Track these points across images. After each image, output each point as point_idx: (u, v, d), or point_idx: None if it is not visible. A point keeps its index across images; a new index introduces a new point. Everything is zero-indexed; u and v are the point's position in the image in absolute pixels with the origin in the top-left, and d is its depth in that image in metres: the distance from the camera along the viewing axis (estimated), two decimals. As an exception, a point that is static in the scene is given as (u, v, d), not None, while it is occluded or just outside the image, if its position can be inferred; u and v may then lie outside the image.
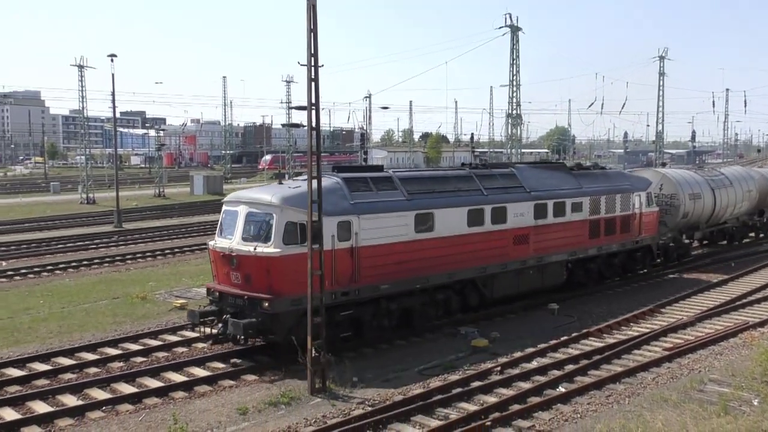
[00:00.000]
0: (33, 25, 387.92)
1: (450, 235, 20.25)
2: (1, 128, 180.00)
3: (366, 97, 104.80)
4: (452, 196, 20.70)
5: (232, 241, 17.76)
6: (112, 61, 56.26)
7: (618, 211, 26.76)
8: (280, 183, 19.20)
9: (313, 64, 15.48)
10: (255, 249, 16.95)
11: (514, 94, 58.30)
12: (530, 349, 18.67)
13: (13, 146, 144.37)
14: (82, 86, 70.70)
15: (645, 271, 29.55)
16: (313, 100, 15.60)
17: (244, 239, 17.51)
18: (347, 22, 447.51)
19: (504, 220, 21.95)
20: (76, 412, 14.45)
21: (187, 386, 15.98)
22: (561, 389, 15.67)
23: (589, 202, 25.31)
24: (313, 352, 15.57)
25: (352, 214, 17.86)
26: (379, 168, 21.66)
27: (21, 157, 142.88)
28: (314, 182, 15.59)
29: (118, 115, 67.87)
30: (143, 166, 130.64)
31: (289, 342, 16.67)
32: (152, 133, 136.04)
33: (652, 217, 29.00)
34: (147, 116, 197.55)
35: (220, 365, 17.49)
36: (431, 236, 19.80)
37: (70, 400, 15.20)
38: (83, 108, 72.42)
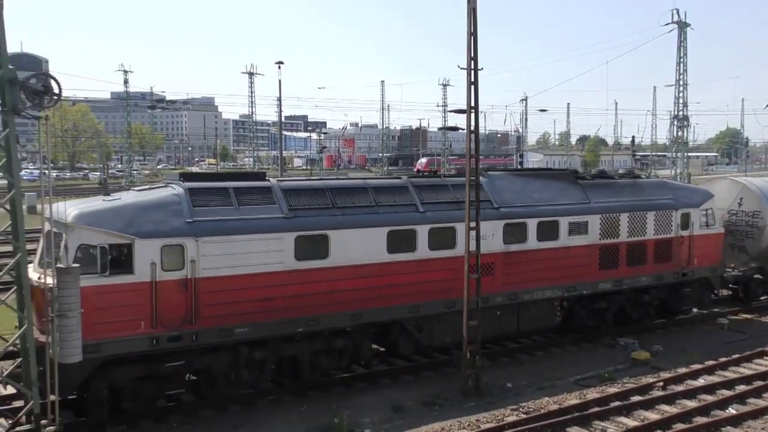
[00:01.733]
0: (208, 36, 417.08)
1: (356, 264, 15.69)
2: (180, 132, 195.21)
3: (522, 99, 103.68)
4: (363, 212, 16.06)
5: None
6: (279, 68, 59.48)
7: (650, 234, 20.72)
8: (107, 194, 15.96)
9: (472, 67, 15.64)
10: (38, 278, 12.92)
11: (681, 94, 55.29)
12: (696, 366, 17.70)
13: (190, 149, 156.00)
14: (251, 92, 75.23)
15: (698, 311, 23.31)
16: (472, 103, 15.79)
17: (40, 265, 13.58)
18: (505, 22, 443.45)
19: (451, 244, 16.97)
20: (246, 400, 15.30)
21: (348, 382, 16.56)
22: (731, 411, 14.74)
23: (599, 222, 19.66)
24: (468, 355, 15.70)
25: (187, 236, 13.88)
26: (260, 175, 16.47)
27: (196, 159, 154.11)
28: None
29: (282, 119, 71.40)
30: (305, 167, 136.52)
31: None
32: (314, 136, 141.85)
33: (711, 242, 22.29)
34: (309, 120, 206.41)
35: (382, 367, 17.59)
36: (323, 265, 15.33)
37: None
38: (252, 113, 76.94)
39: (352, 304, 15.61)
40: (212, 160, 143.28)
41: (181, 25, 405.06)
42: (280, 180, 16.70)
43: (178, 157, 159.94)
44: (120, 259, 13.36)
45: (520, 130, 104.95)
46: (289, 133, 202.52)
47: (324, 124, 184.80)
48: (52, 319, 11.66)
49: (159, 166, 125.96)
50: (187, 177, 15.42)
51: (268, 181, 15.97)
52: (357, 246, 15.70)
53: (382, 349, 17.93)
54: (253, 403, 15.22)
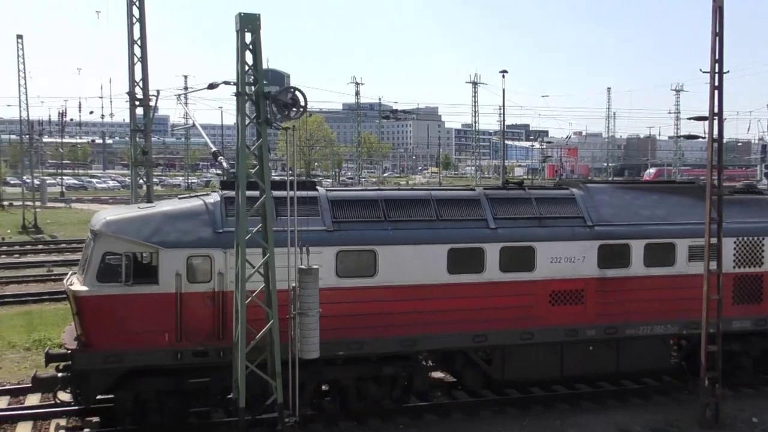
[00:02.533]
0: (434, 47, 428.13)
1: (409, 284, 14.21)
2: (405, 141, 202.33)
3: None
4: (420, 227, 14.52)
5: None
6: (503, 76, 59.28)
7: None
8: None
9: (717, 70, 14.44)
10: (70, 285, 13.62)
11: None
12: None
13: (413, 157, 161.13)
14: (475, 101, 75.85)
15: None
16: (716, 110, 14.59)
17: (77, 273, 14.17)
18: (754, 18, 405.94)
19: (529, 266, 15.05)
20: (469, 409, 15.47)
21: (572, 399, 16.05)
22: None
23: (733, 246, 16.30)
24: (706, 382, 14.48)
25: (215, 247, 13.34)
26: (308, 184, 15.24)
27: (419, 167, 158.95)
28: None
29: (504, 127, 71.25)
30: (526, 177, 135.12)
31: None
32: (537, 145, 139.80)
33: None
34: (530, 129, 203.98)
35: (608, 386, 16.73)
36: (369, 284, 14.11)
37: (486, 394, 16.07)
38: (475, 122, 77.56)
39: (403, 329, 14.08)
40: (435, 169, 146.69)
41: (408, 36, 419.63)
42: (332, 190, 15.70)
43: (403, 165, 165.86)
44: (145, 269, 13.33)
45: (766, 138, 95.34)
46: (511, 142, 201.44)
47: (546, 132, 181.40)
48: (294, 317, 12.54)
49: (385, 174, 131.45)
50: (227, 185, 14.26)
51: (317, 190, 14.89)
52: (411, 264, 14.27)
53: (453, 379, 16.50)
54: (476, 413, 15.26)
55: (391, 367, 14.55)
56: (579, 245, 15.32)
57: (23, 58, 51.62)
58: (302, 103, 12.68)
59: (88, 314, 13.07)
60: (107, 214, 14.15)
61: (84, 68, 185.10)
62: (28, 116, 56.21)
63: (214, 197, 14.23)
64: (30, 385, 14.60)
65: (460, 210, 15.01)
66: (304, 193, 14.13)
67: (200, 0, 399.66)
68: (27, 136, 56.94)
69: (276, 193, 13.31)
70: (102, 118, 45.91)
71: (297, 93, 12.68)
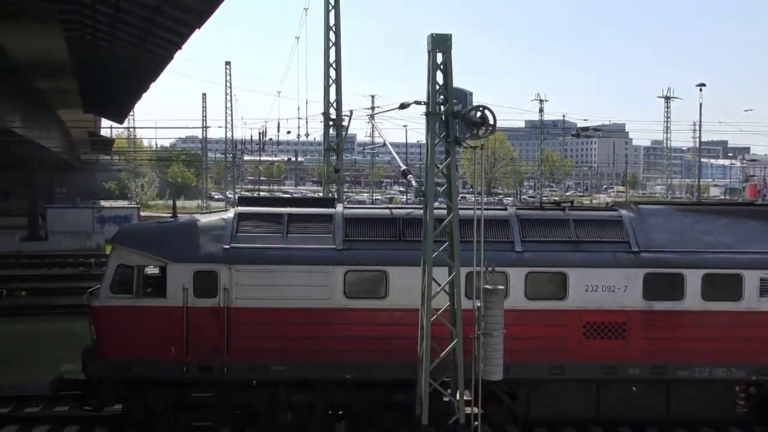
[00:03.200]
0: (623, 62, 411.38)
1: (419, 307, 12.87)
2: (589, 159, 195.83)
3: None
4: (436, 248, 12.89)
5: None
6: (700, 90, 55.64)
7: None
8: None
9: None
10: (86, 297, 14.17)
11: None
12: None
13: (598, 176, 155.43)
14: (667, 117, 71.79)
15: None
16: None
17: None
18: None
19: (560, 293, 13.76)
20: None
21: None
22: None
23: None
24: None
25: (221, 263, 13.35)
26: (328, 201, 15.29)
27: (604, 186, 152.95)
28: None
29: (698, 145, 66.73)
30: (722, 197, 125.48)
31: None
32: (737, 163, 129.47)
33: None
34: (729, 146, 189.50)
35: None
36: (379, 306, 13.51)
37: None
38: (666, 139, 73.35)
39: (415, 354, 12.85)
40: (621, 188, 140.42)
41: (594, 52, 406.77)
42: (349, 207, 15.15)
43: (586, 184, 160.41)
44: (154, 282, 13.56)
45: None
46: (706, 160, 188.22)
47: (747, 149, 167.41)
48: (478, 337, 12.43)
49: (567, 193, 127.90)
50: (245, 201, 14.89)
51: (334, 208, 14.52)
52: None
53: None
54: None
55: (402, 394, 13.70)
56: (620, 273, 13.82)
57: (230, 83, 56.20)
58: (491, 122, 12.62)
59: (100, 323, 13.60)
60: (126, 227, 14.75)
61: (283, 90, 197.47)
62: (232, 136, 61.09)
63: (229, 214, 14.34)
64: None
65: (485, 231, 13.43)
66: (317, 211, 14.31)
67: (378, 26, 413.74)
68: (231, 154, 61.71)
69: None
70: (298, 137, 48.70)
71: (486, 111, 12.64)
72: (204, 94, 74.97)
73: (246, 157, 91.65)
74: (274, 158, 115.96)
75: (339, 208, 14.62)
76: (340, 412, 14.32)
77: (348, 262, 13.55)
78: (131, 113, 75.86)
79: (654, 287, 13.83)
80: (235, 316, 13.30)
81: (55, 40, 26.36)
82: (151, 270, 13.81)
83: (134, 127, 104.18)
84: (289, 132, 48.37)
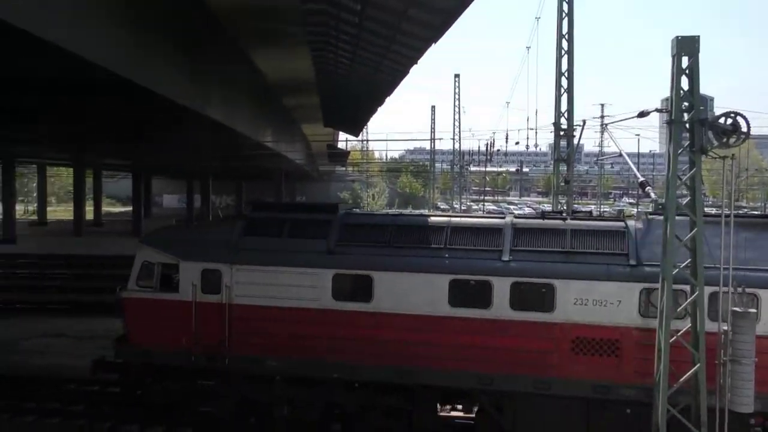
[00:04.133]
0: None
1: (405, 313, 13.58)
2: None
3: None
4: (422, 254, 13.78)
5: None
6: None
7: None
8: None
9: None
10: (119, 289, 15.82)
11: None
12: None
13: None
14: None
15: None
16: None
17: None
18: None
19: (547, 305, 13.12)
20: None
21: None
22: None
23: None
24: None
25: (224, 263, 14.58)
26: (331, 208, 15.44)
27: None
28: None
29: None
30: None
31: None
32: None
33: None
34: None
35: None
36: (363, 309, 13.86)
37: None
38: None
39: (399, 359, 13.54)
40: None
41: None
42: (351, 213, 15.68)
43: None
44: (170, 278, 15.10)
45: None
46: None
47: None
48: (724, 363, 11.45)
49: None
50: (258, 206, 16.01)
51: (335, 214, 15.07)
52: (408, 293, 13.62)
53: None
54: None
55: (388, 398, 14.20)
56: (614, 286, 12.91)
57: (458, 95, 57.26)
58: (744, 129, 11.60)
59: (127, 313, 15.34)
60: (151, 230, 17.07)
61: (511, 102, 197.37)
62: (459, 147, 62.08)
63: (241, 220, 15.56)
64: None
65: (475, 238, 13.90)
66: (318, 216, 15.07)
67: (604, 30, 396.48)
68: (458, 165, 62.82)
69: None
70: (527, 148, 48.26)
71: (738, 118, 11.64)
72: (433, 107, 76.79)
73: (472, 168, 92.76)
74: (500, 168, 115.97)
75: (341, 213, 15.34)
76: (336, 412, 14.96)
77: (333, 265, 14.18)
78: (365, 126, 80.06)
79: (652, 303, 12.75)
80: (234, 311, 14.59)
81: (303, 61, 28.66)
82: (167, 267, 15.36)
83: (367, 140, 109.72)
84: (517, 143, 47.97)
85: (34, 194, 64.40)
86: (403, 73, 28.40)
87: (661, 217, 13.95)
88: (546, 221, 14.40)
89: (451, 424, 15.48)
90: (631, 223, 14.15)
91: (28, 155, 42.03)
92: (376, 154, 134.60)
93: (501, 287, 13.41)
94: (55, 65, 14.59)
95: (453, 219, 14.84)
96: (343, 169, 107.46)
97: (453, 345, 13.45)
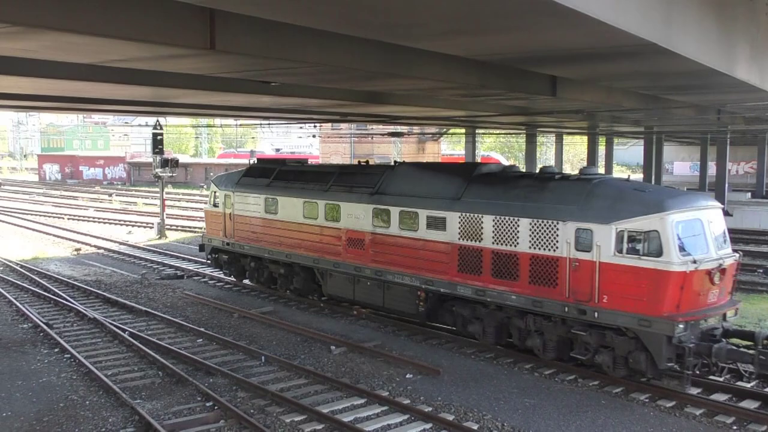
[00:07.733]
0: None
1: (288, 221, 21.82)
2: None
3: None
4: (298, 189, 21.75)
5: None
6: None
7: (524, 246, 15.39)
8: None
9: None
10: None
11: None
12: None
13: None
14: None
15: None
16: None
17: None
18: None
19: (337, 218, 20.34)
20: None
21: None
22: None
23: (458, 221, 16.95)
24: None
25: (230, 190, 24.03)
26: (302, 161, 27.12)
27: None
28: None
29: None
30: None
31: None
32: None
33: (638, 277, 13.62)
34: None
35: None
36: (274, 218, 22.35)
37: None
38: None
39: (287, 248, 21.98)
40: None
41: None
42: (307, 166, 25.08)
43: None
44: (215, 199, 25.25)
45: None
46: None
47: None
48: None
49: None
50: (259, 161, 27.03)
51: (285, 165, 24.31)
52: (290, 209, 21.87)
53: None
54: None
55: (290, 270, 22.44)
56: (362, 208, 19.64)
57: None
58: None
59: (206, 218, 26.18)
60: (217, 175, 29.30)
61: None
62: None
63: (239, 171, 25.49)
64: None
65: (348, 179, 20.82)
66: (276, 166, 24.30)
67: None
68: None
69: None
70: None
71: None
72: None
73: None
74: None
75: (289, 164, 24.52)
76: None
77: (265, 192, 22.93)
78: None
79: (377, 217, 19.34)
80: (233, 218, 24.00)
81: None
82: (217, 194, 25.63)
83: None
84: None
85: (551, 162, 69.49)
86: None
87: (406, 167, 20.77)
88: (351, 168, 22.86)
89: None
90: (395, 169, 20.32)
91: (549, 126, 45.39)
92: None
93: (322, 206, 21.12)
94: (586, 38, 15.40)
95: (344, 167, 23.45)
96: None
97: (303, 240, 21.54)
